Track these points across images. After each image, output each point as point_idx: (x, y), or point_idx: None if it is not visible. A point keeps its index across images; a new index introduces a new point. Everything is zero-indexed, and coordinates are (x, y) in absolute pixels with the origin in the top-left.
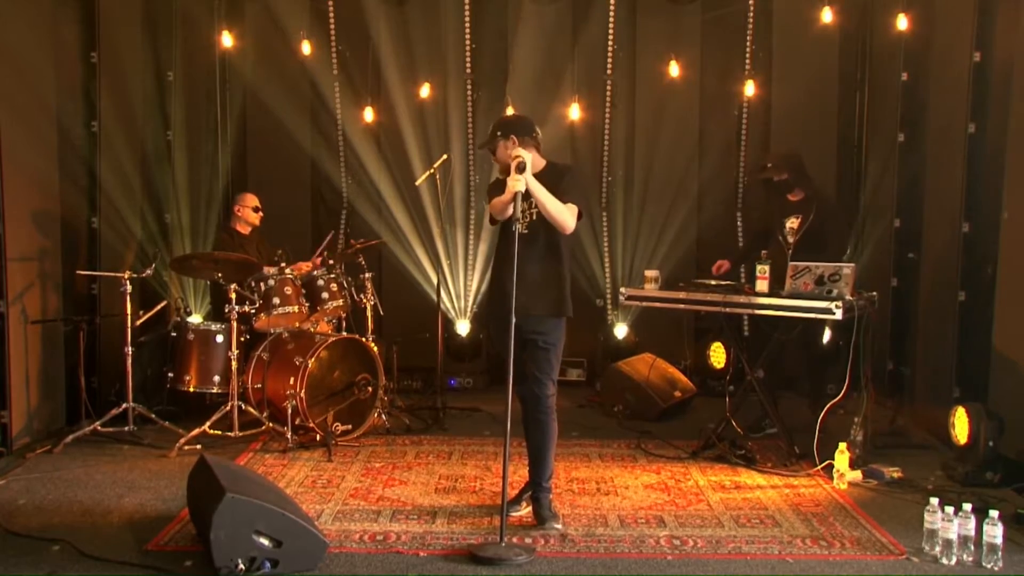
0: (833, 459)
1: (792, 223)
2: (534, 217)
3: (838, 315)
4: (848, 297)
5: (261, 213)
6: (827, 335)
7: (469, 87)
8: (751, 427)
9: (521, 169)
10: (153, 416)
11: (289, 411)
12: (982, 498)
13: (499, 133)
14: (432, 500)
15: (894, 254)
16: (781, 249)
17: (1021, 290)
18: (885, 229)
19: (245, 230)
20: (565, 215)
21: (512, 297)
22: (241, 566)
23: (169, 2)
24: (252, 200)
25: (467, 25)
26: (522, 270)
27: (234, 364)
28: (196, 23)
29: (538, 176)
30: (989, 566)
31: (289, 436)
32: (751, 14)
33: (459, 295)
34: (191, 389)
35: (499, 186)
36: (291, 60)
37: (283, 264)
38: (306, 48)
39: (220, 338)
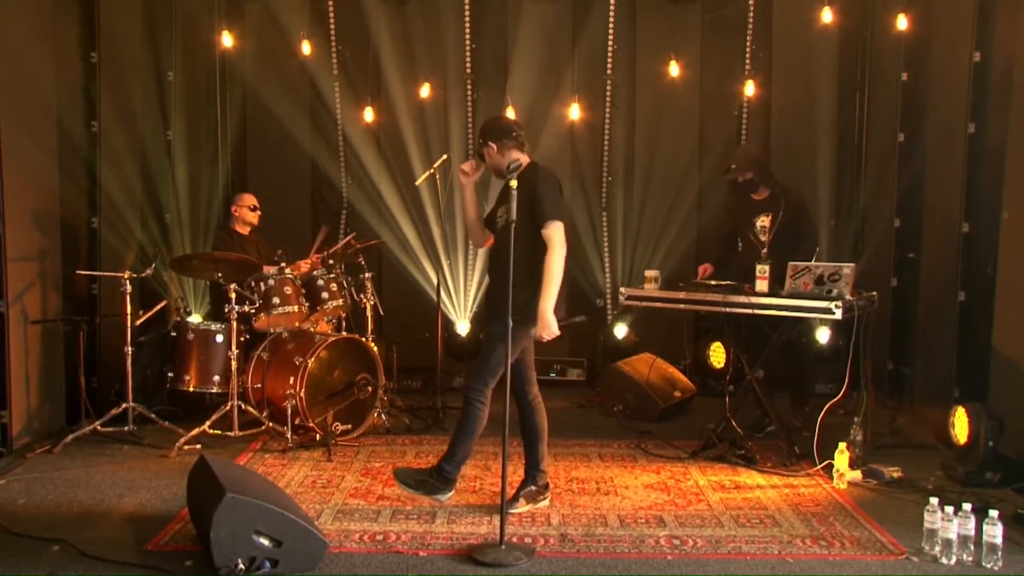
0: (833, 459)
1: (763, 221)
2: (502, 224)
3: (838, 315)
4: (848, 297)
5: (259, 212)
6: (827, 335)
7: (469, 87)
8: (752, 426)
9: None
10: (153, 416)
11: (289, 411)
12: (982, 498)
13: (481, 140)
14: (432, 500)
15: (894, 254)
16: (754, 249)
17: (1021, 290)
18: (885, 229)
19: (244, 230)
20: (560, 269)
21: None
22: (241, 566)
23: (169, 2)
24: (249, 200)
25: (467, 25)
26: (492, 271)
27: (234, 364)
28: (196, 23)
29: (520, 176)
30: (989, 566)
31: (289, 436)
32: (751, 14)
33: (459, 295)
34: (191, 389)
35: (505, 191)
36: (291, 60)
37: (283, 264)
38: (306, 48)
39: (220, 338)
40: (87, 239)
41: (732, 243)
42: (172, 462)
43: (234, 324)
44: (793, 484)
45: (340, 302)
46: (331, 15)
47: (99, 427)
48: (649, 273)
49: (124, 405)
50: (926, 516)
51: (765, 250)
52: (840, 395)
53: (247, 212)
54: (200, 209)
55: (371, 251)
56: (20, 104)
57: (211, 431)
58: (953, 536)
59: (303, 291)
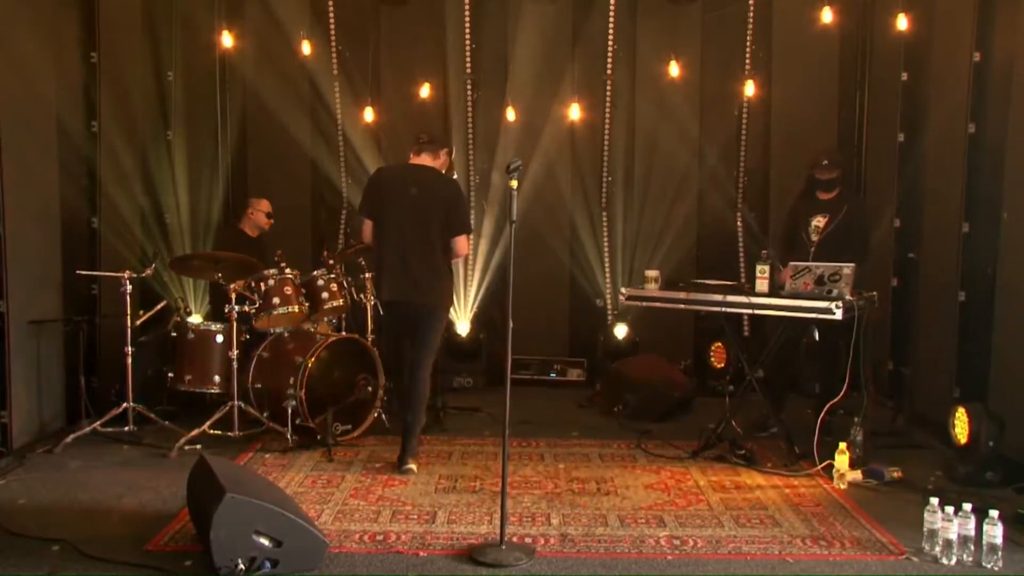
0: (833, 459)
1: (819, 221)
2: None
3: (838, 315)
4: (848, 297)
5: (272, 220)
6: (814, 334)
7: (469, 87)
8: (756, 426)
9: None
10: (153, 416)
11: (289, 411)
12: (982, 498)
13: None
14: (432, 500)
15: (894, 254)
16: (804, 247)
17: (1021, 290)
18: (885, 229)
19: (253, 233)
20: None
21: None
22: (241, 566)
23: (169, 2)
24: (266, 206)
25: (467, 25)
26: None
27: (234, 364)
28: (196, 23)
29: None
30: (989, 566)
31: (289, 436)
32: (751, 14)
33: (459, 296)
34: (191, 389)
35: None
36: (291, 60)
37: (283, 264)
38: (306, 48)
39: (220, 338)
40: (87, 239)
41: (794, 241)
42: (172, 462)
43: (234, 324)
44: (793, 484)
45: (340, 302)
46: (331, 15)
47: (99, 427)
48: (649, 273)
49: (124, 405)
50: (926, 516)
51: (813, 249)
52: (840, 395)
53: (261, 217)
54: (200, 209)
55: (371, 251)
56: (20, 104)
57: (211, 431)
58: (953, 536)
59: (303, 291)
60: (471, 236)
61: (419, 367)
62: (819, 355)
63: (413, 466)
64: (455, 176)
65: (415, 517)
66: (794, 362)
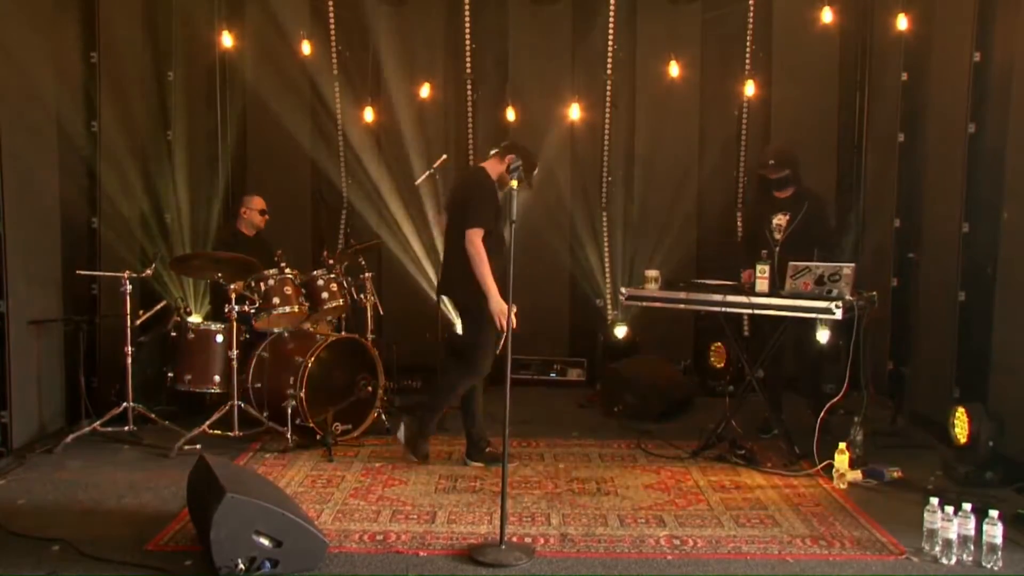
0: (833, 459)
1: (780, 220)
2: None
3: (838, 315)
4: (848, 297)
5: (267, 217)
6: (826, 335)
7: (469, 87)
8: (761, 428)
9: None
10: (153, 416)
11: (289, 411)
12: (982, 498)
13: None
14: (432, 500)
15: (894, 254)
16: (768, 247)
17: (1021, 290)
18: (885, 229)
19: (249, 232)
20: None
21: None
22: (241, 566)
23: (169, 2)
24: (260, 203)
25: (467, 25)
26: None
27: (234, 364)
28: (196, 23)
29: None
30: (989, 566)
31: (289, 436)
32: (751, 14)
33: None
34: (191, 389)
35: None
36: (291, 60)
37: (283, 264)
38: (306, 48)
39: (220, 338)
40: (87, 239)
41: (757, 243)
42: (172, 462)
43: (234, 324)
44: (793, 484)
45: (340, 302)
46: (331, 15)
47: (99, 427)
48: (649, 273)
49: (124, 405)
50: (926, 516)
51: (778, 248)
52: (840, 395)
53: (256, 215)
54: (200, 209)
55: (371, 251)
56: (20, 104)
57: (211, 431)
58: (953, 536)
59: (303, 291)
60: (482, 230)
61: (452, 360)
62: (817, 355)
63: (400, 436)
64: (522, 185)
65: (415, 517)
66: (793, 362)
